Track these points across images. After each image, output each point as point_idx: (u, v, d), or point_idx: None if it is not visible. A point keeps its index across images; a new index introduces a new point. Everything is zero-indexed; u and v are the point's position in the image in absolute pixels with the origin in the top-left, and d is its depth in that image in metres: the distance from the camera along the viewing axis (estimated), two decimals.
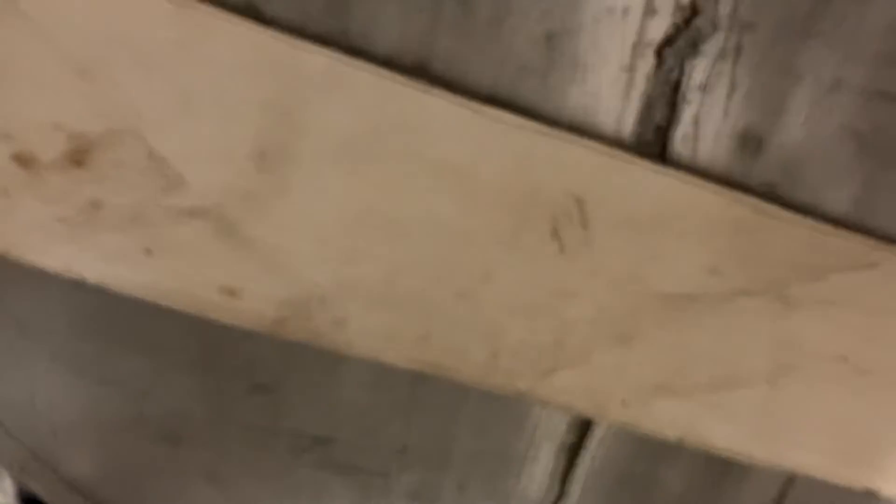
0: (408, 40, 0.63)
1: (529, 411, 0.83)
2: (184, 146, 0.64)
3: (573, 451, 0.86)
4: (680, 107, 0.65)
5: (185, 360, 0.80)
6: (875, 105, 0.64)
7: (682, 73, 0.64)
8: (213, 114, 0.63)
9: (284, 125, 0.64)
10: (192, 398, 0.83)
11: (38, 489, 0.89)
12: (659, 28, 0.62)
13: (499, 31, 0.62)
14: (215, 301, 0.70)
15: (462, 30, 0.62)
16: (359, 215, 0.68)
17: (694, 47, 0.63)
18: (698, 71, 0.64)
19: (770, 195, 0.68)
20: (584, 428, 0.84)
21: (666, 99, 0.65)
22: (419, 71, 0.63)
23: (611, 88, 0.64)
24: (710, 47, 0.63)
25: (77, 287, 0.68)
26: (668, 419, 0.76)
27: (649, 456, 0.85)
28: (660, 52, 0.63)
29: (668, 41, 0.63)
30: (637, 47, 0.63)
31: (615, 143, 0.66)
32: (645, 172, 0.66)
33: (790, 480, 0.86)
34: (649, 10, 0.61)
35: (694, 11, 0.61)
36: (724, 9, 0.61)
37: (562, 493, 0.89)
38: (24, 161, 0.64)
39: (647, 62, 0.63)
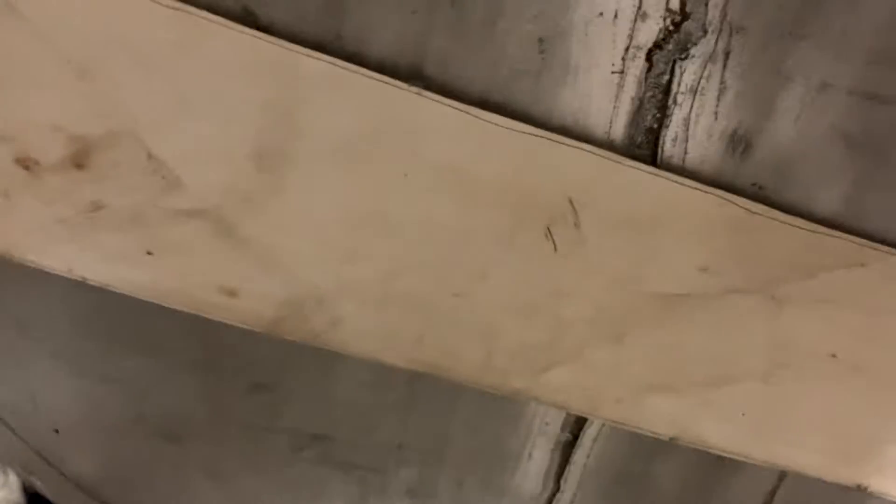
0: (402, 44, 0.63)
1: (525, 409, 0.84)
2: (182, 147, 0.65)
3: (568, 449, 0.87)
4: (670, 109, 0.66)
5: (186, 359, 0.81)
6: (864, 106, 0.65)
7: (672, 75, 0.65)
8: (210, 115, 0.64)
9: (282, 127, 0.65)
10: (192, 397, 0.84)
11: (41, 487, 0.90)
12: (649, 32, 0.63)
13: (491, 35, 0.63)
14: (214, 301, 0.71)
15: (455, 33, 0.63)
16: (356, 216, 0.68)
17: (684, 50, 0.63)
18: (688, 74, 0.64)
19: (760, 196, 0.69)
20: (578, 426, 0.85)
21: (656, 101, 0.66)
22: (413, 74, 0.64)
23: (602, 91, 0.65)
24: (700, 50, 0.63)
25: (78, 287, 0.69)
26: (662, 417, 0.77)
27: (643, 453, 0.86)
28: (650, 56, 0.64)
29: (658, 44, 0.63)
30: (628, 51, 0.64)
31: (606, 144, 0.67)
32: (636, 174, 0.67)
33: (783, 476, 0.87)
34: (640, 14, 0.62)
35: (684, 15, 0.62)
36: (714, 12, 0.62)
37: (557, 490, 0.90)
38: (24, 163, 0.65)
39: (637, 65, 0.64)
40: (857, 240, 0.69)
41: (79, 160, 0.65)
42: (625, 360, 0.75)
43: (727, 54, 0.63)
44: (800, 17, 0.62)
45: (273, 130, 0.65)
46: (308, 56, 0.62)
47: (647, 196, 0.68)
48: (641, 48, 0.63)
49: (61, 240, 0.68)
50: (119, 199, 0.67)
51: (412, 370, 0.75)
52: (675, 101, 0.66)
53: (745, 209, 0.68)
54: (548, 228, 0.69)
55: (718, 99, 0.65)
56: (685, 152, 0.68)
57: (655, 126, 0.67)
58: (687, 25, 0.62)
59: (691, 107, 0.66)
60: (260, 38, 0.62)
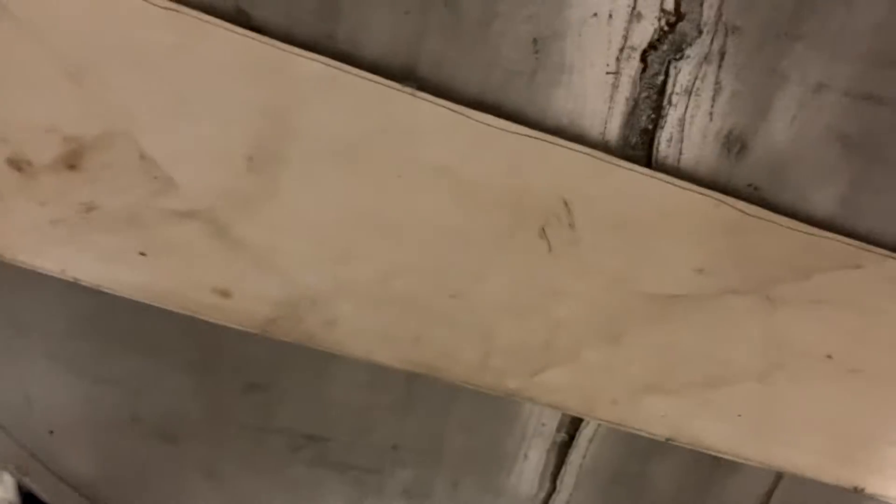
0: (396, 45, 0.63)
1: (521, 410, 0.84)
2: (175, 148, 0.65)
3: (564, 449, 0.87)
4: (665, 110, 0.66)
5: (181, 360, 0.81)
6: (860, 107, 0.65)
7: (667, 76, 0.65)
8: (204, 117, 0.64)
9: (276, 127, 0.65)
10: (187, 397, 0.84)
11: (36, 488, 0.89)
12: (644, 32, 0.63)
13: (485, 35, 0.63)
14: (208, 302, 0.70)
15: (449, 34, 0.63)
16: (350, 217, 0.68)
17: (679, 51, 0.63)
18: (683, 74, 0.64)
19: (755, 197, 0.68)
20: (574, 426, 0.85)
21: (651, 102, 0.66)
22: (407, 75, 0.64)
23: (596, 92, 0.65)
24: (695, 51, 0.63)
25: (73, 288, 0.69)
26: (658, 418, 0.77)
27: (639, 454, 0.86)
28: (645, 56, 0.64)
29: (652, 45, 0.63)
30: (622, 51, 0.63)
31: (601, 145, 0.67)
32: (631, 175, 0.67)
33: (779, 477, 0.87)
34: (634, 15, 0.62)
35: (678, 16, 0.62)
36: (709, 13, 0.62)
37: (553, 490, 0.90)
38: (17, 164, 0.64)
39: (632, 66, 0.64)
40: (853, 242, 0.69)
41: (72, 161, 0.65)
42: (621, 360, 0.75)
43: (722, 55, 0.63)
44: (795, 17, 0.62)
45: (267, 131, 0.65)
46: (302, 56, 0.62)
47: (642, 197, 0.67)
48: (636, 49, 0.63)
49: (54, 241, 0.68)
50: (112, 200, 0.66)
51: (408, 371, 0.74)
52: (669, 102, 0.66)
53: (741, 210, 0.68)
54: (542, 229, 0.69)
55: (714, 100, 0.65)
56: (680, 153, 0.67)
57: (650, 127, 0.67)
58: (682, 26, 0.62)
59: (686, 107, 0.66)
60: (253, 39, 0.61)
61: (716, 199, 0.67)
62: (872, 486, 0.80)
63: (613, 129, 0.67)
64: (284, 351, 0.75)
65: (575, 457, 0.87)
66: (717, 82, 0.64)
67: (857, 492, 0.81)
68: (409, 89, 0.63)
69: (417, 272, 0.71)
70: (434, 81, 0.64)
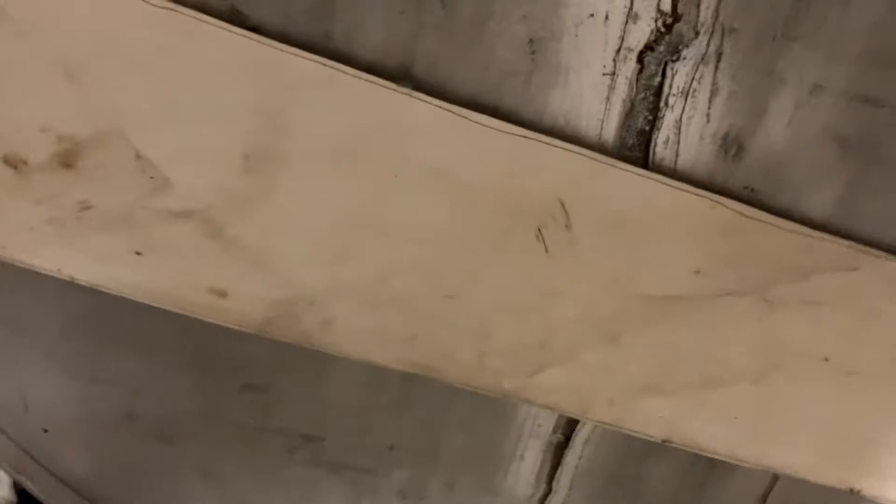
0: (391, 45, 0.63)
1: (517, 411, 0.84)
2: (171, 148, 0.65)
3: (560, 450, 0.87)
4: (662, 111, 0.66)
5: (178, 359, 0.81)
6: (857, 108, 0.65)
7: (663, 77, 0.64)
8: (199, 116, 0.64)
9: (271, 127, 0.64)
10: (184, 397, 0.84)
11: (31, 486, 0.89)
12: (641, 33, 0.62)
13: (481, 36, 0.63)
14: (204, 302, 0.70)
15: (445, 34, 0.63)
16: (347, 217, 0.68)
17: (675, 52, 0.63)
18: (680, 76, 0.64)
19: (752, 198, 0.68)
20: (570, 427, 0.85)
21: (648, 103, 0.66)
22: (403, 75, 0.64)
23: (593, 93, 0.65)
24: (692, 52, 0.63)
25: (69, 287, 0.69)
26: (654, 419, 0.77)
27: (635, 455, 0.86)
28: (641, 57, 0.64)
29: (649, 46, 0.63)
30: (619, 52, 0.63)
31: (598, 146, 0.67)
32: (627, 176, 0.67)
33: (775, 479, 0.87)
34: (631, 16, 0.62)
35: (675, 17, 0.62)
36: (706, 14, 0.61)
37: (549, 491, 0.90)
38: (12, 162, 0.64)
39: (628, 67, 0.64)
40: (850, 243, 0.69)
41: (67, 160, 0.65)
42: (617, 361, 0.74)
43: (719, 56, 0.63)
44: (792, 18, 0.61)
45: (263, 131, 0.65)
46: (297, 56, 0.62)
47: (639, 198, 0.67)
48: (633, 50, 0.63)
49: (50, 240, 0.68)
50: (108, 200, 0.66)
51: (404, 371, 0.74)
52: (666, 104, 0.65)
53: (738, 212, 0.68)
54: (539, 230, 0.68)
55: (710, 101, 0.65)
56: (677, 154, 0.67)
57: (647, 128, 0.67)
58: (678, 27, 0.62)
59: (683, 109, 0.65)
60: (249, 39, 0.61)
61: (712, 200, 0.67)
62: (869, 487, 0.80)
63: (610, 131, 0.67)
64: (281, 351, 0.75)
65: (571, 458, 0.87)
66: (714, 84, 0.64)
67: (854, 493, 0.81)
68: (405, 89, 0.63)
69: (414, 272, 0.71)
70: (430, 82, 0.64)
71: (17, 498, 0.94)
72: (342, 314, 0.72)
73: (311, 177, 0.66)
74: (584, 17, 0.62)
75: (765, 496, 0.88)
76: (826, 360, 0.74)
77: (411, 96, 0.63)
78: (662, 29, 0.62)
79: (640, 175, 0.67)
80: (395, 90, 0.63)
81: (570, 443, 0.85)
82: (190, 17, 0.60)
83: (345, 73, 0.62)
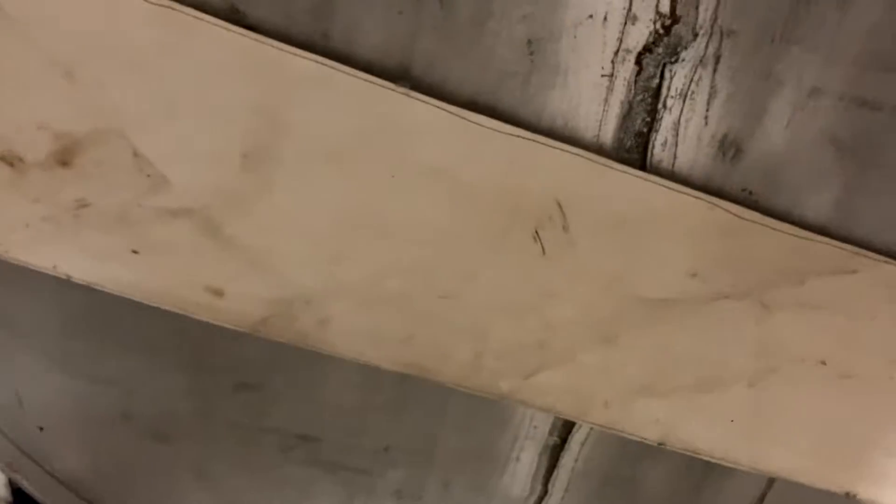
0: (390, 45, 0.63)
1: (513, 412, 0.84)
2: (168, 146, 0.65)
3: (556, 452, 0.87)
4: (660, 113, 0.66)
5: (174, 358, 0.81)
6: (855, 111, 0.65)
7: (662, 79, 0.64)
8: (197, 115, 0.64)
9: (269, 127, 0.64)
10: (180, 396, 0.83)
11: (26, 484, 0.89)
12: (639, 35, 0.62)
13: (480, 36, 0.63)
14: (201, 301, 0.70)
15: (443, 34, 0.63)
16: (344, 216, 0.68)
17: (674, 54, 0.63)
18: (678, 78, 0.64)
19: (750, 201, 0.68)
20: (566, 429, 0.85)
21: (646, 105, 0.66)
22: (402, 75, 0.64)
23: (591, 94, 0.65)
24: (690, 54, 0.63)
25: (65, 285, 0.69)
26: (650, 422, 0.77)
27: (631, 457, 0.86)
28: (640, 59, 0.64)
29: (648, 48, 0.63)
30: (617, 54, 0.63)
31: (595, 148, 0.67)
32: (625, 178, 0.66)
33: (771, 482, 0.87)
34: (629, 17, 0.62)
35: (674, 19, 0.62)
36: (704, 16, 0.61)
37: (544, 493, 0.90)
38: (9, 160, 0.64)
39: (627, 68, 0.64)
40: (848, 246, 0.69)
41: (64, 158, 0.64)
42: (613, 363, 0.74)
43: (717, 58, 0.63)
44: (790, 21, 0.61)
45: (260, 130, 0.64)
46: (296, 55, 0.62)
47: (636, 200, 0.67)
48: (631, 51, 0.63)
49: (46, 238, 0.67)
50: (105, 198, 0.66)
51: (400, 372, 0.74)
52: (664, 105, 0.65)
53: (735, 214, 0.68)
54: (536, 231, 0.68)
55: (708, 103, 0.65)
56: (675, 157, 0.67)
57: (645, 130, 0.67)
58: (677, 29, 0.62)
59: (681, 111, 0.65)
60: (247, 37, 0.61)
61: (710, 202, 0.67)
62: (865, 491, 0.80)
63: (608, 132, 0.67)
64: (277, 351, 0.75)
65: (567, 460, 0.87)
66: (713, 86, 0.64)
67: (850, 498, 0.81)
68: (403, 89, 0.63)
69: (411, 272, 0.70)
70: (428, 81, 0.64)
71: (12, 497, 0.93)
72: (338, 314, 0.72)
73: (308, 176, 0.66)
74: (582, 18, 0.62)
75: (761, 499, 0.88)
76: (823, 363, 0.74)
77: (409, 96, 0.63)
78: (661, 31, 0.62)
79: (637, 177, 0.67)
80: (393, 90, 0.63)
81: (566, 445, 0.85)
82: (188, 16, 0.60)
83: (343, 72, 0.62)
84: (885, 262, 0.70)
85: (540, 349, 0.74)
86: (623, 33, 0.62)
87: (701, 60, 0.63)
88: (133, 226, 0.67)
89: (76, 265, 0.69)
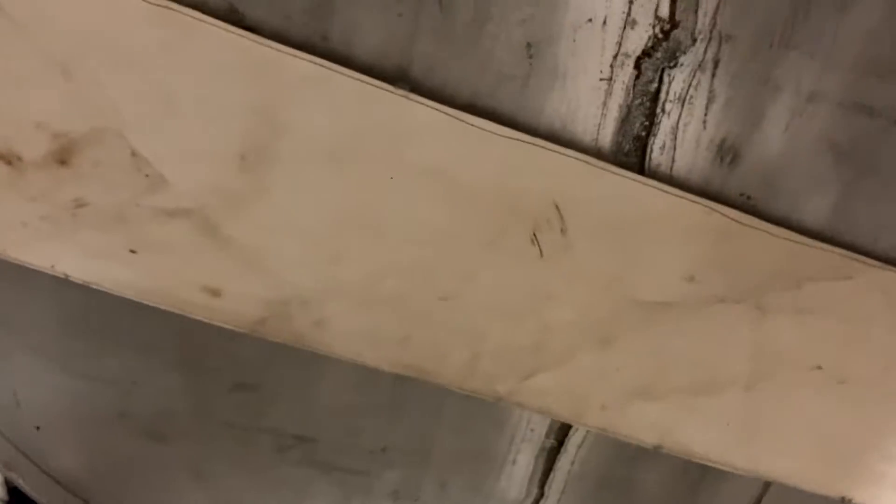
0: (389, 47, 0.63)
1: (510, 414, 0.84)
2: (166, 146, 0.65)
3: (552, 455, 0.87)
4: (658, 117, 0.66)
5: (171, 358, 0.81)
6: (853, 117, 0.65)
7: (660, 83, 0.64)
8: (195, 115, 0.64)
9: (267, 127, 0.64)
10: (176, 396, 0.83)
11: (22, 483, 0.89)
12: (638, 39, 0.63)
13: (479, 39, 0.63)
14: (198, 300, 0.70)
15: (442, 37, 0.63)
16: (342, 217, 0.68)
17: (673, 59, 0.63)
18: (677, 82, 0.64)
19: (747, 205, 0.68)
20: (563, 432, 0.85)
21: (644, 109, 0.66)
22: (400, 77, 0.64)
23: (590, 98, 0.65)
24: (689, 59, 0.63)
25: (62, 284, 0.69)
26: (647, 425, 0.77)
27: (628, 460, 0.86)
28: (639, 63, 0.64)
29: (647, 52, 0.63)
30: (616, 58, 0.63)
31: (594, 151, 0.67)
32: (623, 181, 0.67)
33: (767, 485, 0.87)
34: (629, 22, 0.62)
35: (673, 23, 0.62)
36: (703, 21, 0.61)
37: (541, 496, 0.90)
38: (7, 158, 0.64)
39: (626, 72, 0.64)
40: (844, 252, 0.69)
41: (62, 157, 0.64)
42: (610, 366, 0.74)
43: (716, 63, 0.63)
44: (789, 26, 0.62)
45: (258, 130, 0.64)
46: (294, 56, 0.62)
47: (634, 204, 0.67)
48: (630, 55, 0.63)
49: (44, 236, 0.67)
50: (103, 197, 0.66)
51: (397, 373, 0.74)
52: (663, 110, 0.65)
53: (732, 219, 0.68)
54: (534, 234, 0.68)
55: (707, 108, 0.65)
56: (673, 161, 0.67)
57: (643, 134, 0.67)
58: (676, 34, 0.62)
59: (679, 115, 0.65)
60: (246, 38, 0.61)
61: (707, 207, 0.67)
62: (860, 496, 0.80)
63: (606, 136, 0.67)
64: (273, 351, 0.75)
65: (563, 462, 0.87)
66: (711, 90, 0.64)
67: (845, 502, 0.81)
68: (401, 91, 0.63)
69: (408, 274, 0.70)
70: (427, 84, 0.64)
71: (8, 496, 0.93)
72: (335, 314, 0.72)
73: (306, 177, 0.66)
74: (582, 21, 0.62)
75: (757, 502, 0.88)
76: (818, 367, 0.74)
77: (408, 98, 0.63)
78: (660, 35, 0.62)
79: (635, 180, 0.67)
80: (391, 92, 0.63)
81: (563, 447, 0.85)
82: (187, 16, 0.60)
83: (342, 73, 0.62)
84: (882, 267, 0.70)
85: (537, 351, 0.74)
86: (622, 37, 0.62)
87: (700, 65, 0.63)
88: (131, 225, 0.67)
89: (74, 264, 0.69)
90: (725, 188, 0.68)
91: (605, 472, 0.87)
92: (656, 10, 0.61)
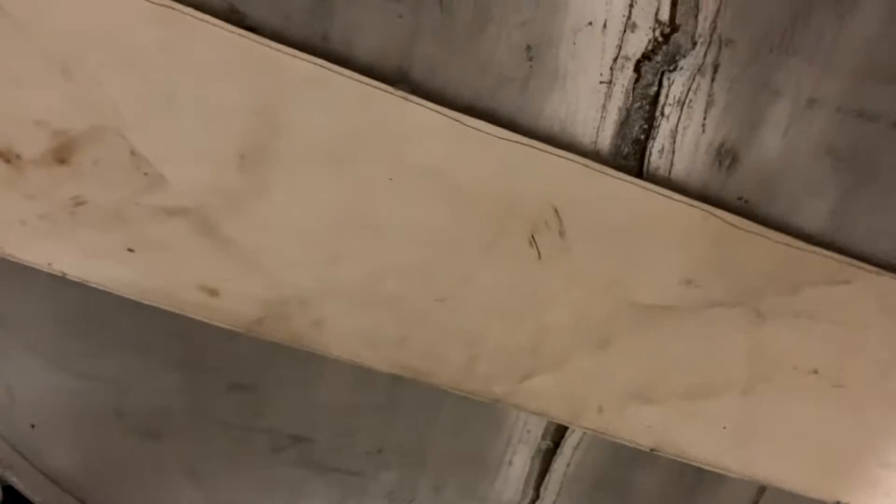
0: (389, 48, 0.63)
1: (506, 416, 0.84)
2: (166, 145, 0.65)
3: (548, 456, 0.87)
4: (657, 121, 0.66)
5: (168, 357, 0.81)
6: (851, 122, 0.65)
7: (660, 87, 0.65)
8: (194, 114, 0.64)
9: (266, 127, 0.64)
10: (173, 395, 0.83)
11: (16, 481, 0.89)
12: (638, 42, 0.63)
13: (479, 41, 0.63)
14: (195, 300, 0.70)
15: (442, 38, 0.63)
16: (339, 218, 0.68)
17: (672, 62, 0.63)
18: (676, 86, 0.64)
19: (745, 210, 0.69)
20: (559, 433, 0.85)
21: (644, 113, 0.66)
22: (400, 78, 0.64)
23: (589, 100, 0.65)
24: (689, 63, 0.63)
25: (59, 282, 0.69)
26: (643, 428, 0.77)
27: (624, 462, 0.86)
28: (638, 66, 0.64)
29: (646, 55, 0.63)
30: (616, 61, 0.63)
31: (593, 154, 0.67)
32: (622, 184, 0.67)
33: (763, 489, 0.87)
34: (629, 25, 0.62)
35: (673, 27, 0.62)
36: (703, 25, 0.62)
37: (536, 498, 0.90)
38: (6, 156, 0.64)
39: (625, 76, 0.64)
40: (842, 257, 0.70)
41: (61, 155, 0.64)
42: (607, 369, 0.75)
43: (716, 67, 0.63)
44: (789, 31, 0.62)
45: (259, 130, 0.64)
46: (294, 57, 0.62)
47: (633, 207, 0.67)
48: (630, 59, 0.63)
49: (42, 234, 0.67)
50: (101, 195, 0.66)
51: (394, 374, 0.74)
52: (662, 113, 0.66)
53: (730, 223, 0.68)
54: (532, 236, 0.69)
55: (706, 112, 0.65)
56: (671, 164, 0.67)
57: (642, 137, 0.67)
58: (676, 37, 0.62)
59: (679, 119, 0.66)
60: (246, 38, 0.61)
61: (705, 210, 0.67)
62: (855, 500, 0.81)
63: (605, 139, 0.67)
64: (270, 351, 0.75)
65: (559, 464, 0.87)
66: (710, 94, 0.64)
67: None
68: (401, 92, 0.63)
69: (406, 275, 0.70)
70: (427, 85, 0.64)
71: (2, 494, 0.93)
72: (333, 315, 0.72)
73: (305, 177, 0.66)
74: (582, 24, 0.62)
75: None
76: (815, 372, 0.74)
77: (408, 99, 0.63)
78: (660, 39, 0.62)
79: (634, 183, 0.67)
80: (391, 93, 0.63)
81: (559, 449, 0.86)
82: (188, 16, 0.60)
83: (342, 74, 0.62)
84: (879, 273, 0.70)
85: (534, 353, 0.74)
86: (622, 41, 0.62)
87: (699, 69, 0.63)
88: (129, 224, 0.67)
89: (71, 262, 0.69)
90: (724, 192, 0.68)
91: (601, 475, 0.87)
92: (657, 13, 0.61)
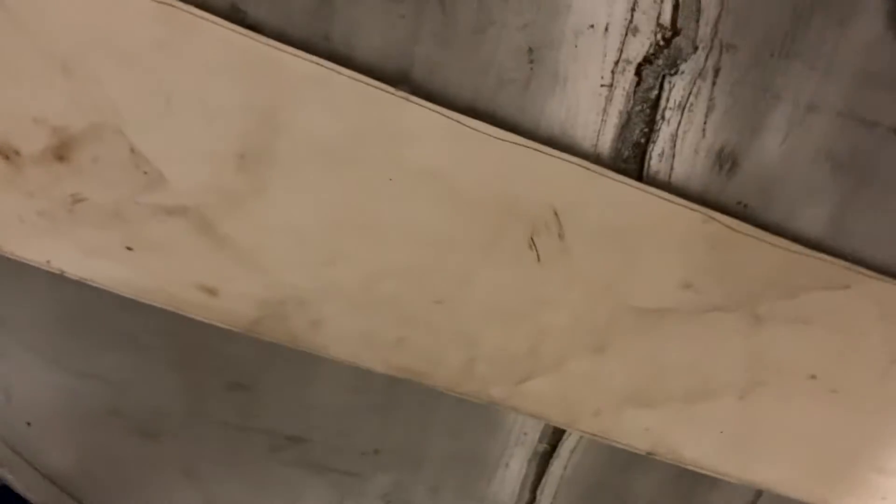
0: (390, 48, 0.63)
1: (503, 418, 0.84)
2: (165, 144, 0.65)
3: (545, 459, 0.87)
4: (658, 124, 0.66)
5: (165, 356, 0.80)
6: (851, 128, 0.65)
7: (661, 91, 0.65)
8: (194, 113, 0.63)
9: (266, 127, 0.64)
10: (170, 394, 0.83)
11: (12, 479, 0.89)
12: (639, 46, 0.63)
13: (480, 42, 0.63)
14: (193, 299, 0.70)
15: (444, 40, 0.63)
16: (339, 218, 0.68)
17: (673, 66, 0.63)
18: (677, 89, 0.64)
19: (745, 214, 0.69)
20: (556, 436, 0.85)
21: (644, 116, 0.66)
22: (401, 79, 0.64)
23: (590, 103, 0.65)
24: (690, 67, 0.63)
25: (57, 280, 0.69)
26: (640, 431, 0.77)
27: (621, 465, 0.86)
28: (639, 70, 0.64)
29: (648, 59, 0.63)
30: (617, 64, 0.63)
31: (593, 157, 0.67)
32: (621, 187, 0.67)
33: (759, 493, 0.87)
34: (630, 28, 0.62)
35: (674, 31, 0.62)
36: (705, 29, 0.62)
37: (532, 500, 0.90)
38: (5, 153, 0.64)
39: (626, 79, 0.64)
40: (841, 262, 0.70)
41: (60, 153, 0.64)
42: (605, 372, 0.74)
43: (717, 71, 0.63)
44: (790, 37, 0.62)
45: (257, 130, 0.64)
46: (295, 56, 0.62)
47: (632, 210, 0.67)
48: (631, 62, 0.63)
49: (40, 232, 0.67)
50: (100, 194, 0.66)
51: (391, 375, 0.74)
52: (662, 117, 0.66)
53: (729, 227, 0.68)
54: (531, 238, 0.68)
55: (706, 116, 0.65)
56: (671, 168, 0.67)
57: (642, 140, 0.67)
58: (677, 41, 0.62)
59: (679, 123, 0.66)
60: (247, 37, 0.61)
61: (705, 214, 0.67)
62: None
63: (606, 142, 0.67)
64: (268, 351, 0.75)
65: (556, 467, 0.87)
66: (711, 99, 0.64)
67: None
68: (402, 93, 0.63)
69: (405, 276, 0.70)
70: (428, 86, 0.64)
71: None
72: (331, 315, 0.72)
73: (305, 177, 0.66)
74: (584, 27, 0.62)
75: None
76: (813, 377, 0.74)
77: (408, 100, 0.63)
78: (661, 43, 0.62)
79: (634, 187, 0.67)
80: (392, 93, 0.63)
81: (556, 452, 0.85)
82: (189, 14, 0.60)
83: (342, 74, 0.62)
84: (877, 278, 0.70)
85: (532, 356, 0.74)
86: (624, 44, 0.63)
87: (700, 73, 0.63)
88: (128, 222, 0.67)
89: (70, 260, 0.69)
90: (723, 196, 0.68)
91: (598, 478, 0.87)
92: (658, 17, 0.61)
